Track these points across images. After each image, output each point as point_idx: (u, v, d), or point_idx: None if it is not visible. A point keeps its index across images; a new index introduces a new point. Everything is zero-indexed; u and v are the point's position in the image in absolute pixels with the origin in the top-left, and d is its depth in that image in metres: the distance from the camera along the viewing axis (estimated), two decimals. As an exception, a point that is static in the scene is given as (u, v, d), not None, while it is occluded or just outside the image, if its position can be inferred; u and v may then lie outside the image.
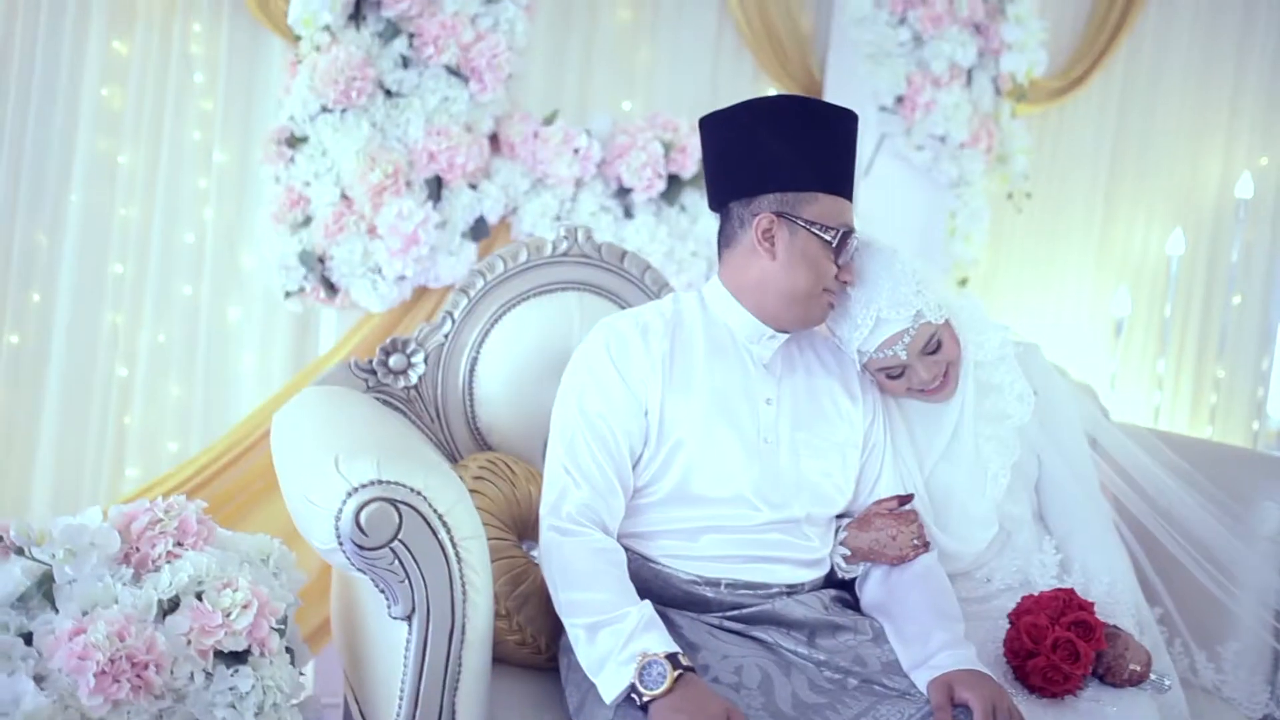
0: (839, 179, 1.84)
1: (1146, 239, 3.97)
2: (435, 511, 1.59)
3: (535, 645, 1.90)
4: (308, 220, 2.72)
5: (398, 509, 1.56)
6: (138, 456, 3.01)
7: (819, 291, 1.83)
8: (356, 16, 2.66)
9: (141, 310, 2.97)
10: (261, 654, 1.69)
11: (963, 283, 3.24)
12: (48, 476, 2.88)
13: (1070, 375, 2.54)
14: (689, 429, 1.80)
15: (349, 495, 1.54)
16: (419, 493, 1.58)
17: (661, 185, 2.91)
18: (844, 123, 1.85)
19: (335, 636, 2.09)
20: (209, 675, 1.65)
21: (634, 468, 1.80)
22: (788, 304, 1.83)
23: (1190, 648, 2.15)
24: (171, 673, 1.62)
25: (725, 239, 1.88)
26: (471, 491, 1.89)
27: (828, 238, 1.80)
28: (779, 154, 1.81)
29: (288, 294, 2.73)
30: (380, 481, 1.55)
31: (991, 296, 3.62)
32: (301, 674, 1.84)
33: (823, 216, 1.80)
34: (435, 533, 1.59)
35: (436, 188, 2.72)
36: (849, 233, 1.83)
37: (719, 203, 1.89)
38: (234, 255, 3.03)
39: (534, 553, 1.96)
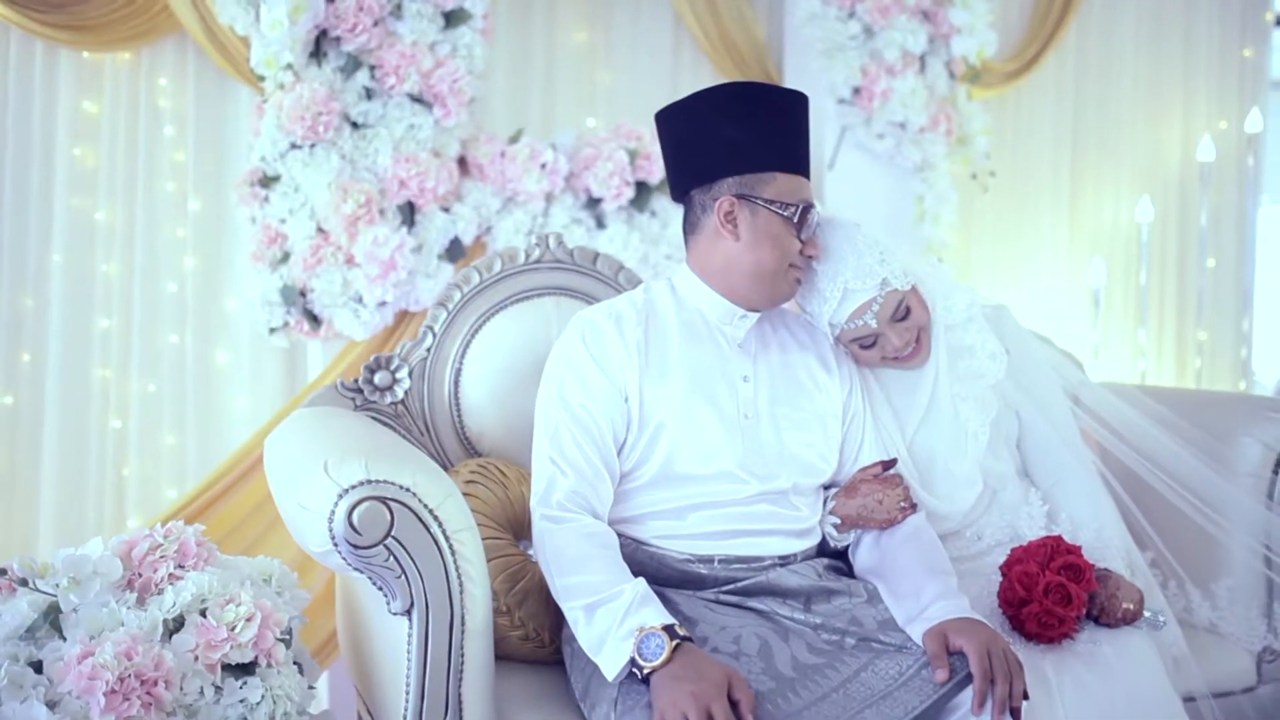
0: (794, 157, 1.89)
1: (1116, 209, 4.03)
2: (426, 507, 1.62)
3: (539, 639, 1.93)
4: (286, 256, 2.77)
5: (389, 506, 1.59)
6: (138, 507, 3.05)
7: (785, 268, 1.88)
8: (317, 54, 2.72)
9: (130, 362, 3.01)
10: (269, 664, 1.72)
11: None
12: (51, 533, 2.92)
13: (1055, 344, 2.59)
14: (669, 411, 1.83)
15: (340, 496, 1.58)
16: (408, 489, 1.61)
17: (630, 193, 2.97)
18: (794, 103, 1.91)
19: (342, 646, 2.12)
20: (219, 689, 1.68)
21: (619, 453, 1.84)
22: (755, 282, 1.88)
23: (1185, 587, 2.19)
24: (181, 688, 1.65)
25: (690, 226, 1.93)
26: (464, 495, 1.93)
27: (788, 214, 1.85)
28: (734, 138, 1.86)
29: (272, 330, 2.77)
30: (370, 481, 1.59)
31: (968, 276, 3.67)
32: (311, 687, 1.86)
33: (781, 194, 1.85)
34: (427, 527, 1.62)
35: (409, 213, 2.78)
36: (809, 207, 1.87)
37: (681, 192, 1.94)
38: (217, 300, 3.07)
39: (531, 551, 2.00)
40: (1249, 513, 2.18)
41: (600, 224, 2.98)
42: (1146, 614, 1.92)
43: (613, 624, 1.65)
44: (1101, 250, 4.02)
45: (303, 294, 2.76)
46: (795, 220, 1.85)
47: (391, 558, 1.60)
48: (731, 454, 1.84)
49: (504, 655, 1.91)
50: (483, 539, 1.86)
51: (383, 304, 2.76)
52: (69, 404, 2.95)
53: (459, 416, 2.20)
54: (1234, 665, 2.14)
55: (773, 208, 1.84)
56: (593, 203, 2.99)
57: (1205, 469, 2.18)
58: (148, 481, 3.07)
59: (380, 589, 1.63)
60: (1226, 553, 2.19)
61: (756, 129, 1.86)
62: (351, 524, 1.57)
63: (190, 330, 3.06)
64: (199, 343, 3.07)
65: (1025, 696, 1.65)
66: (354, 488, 1.58)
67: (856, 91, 3.21)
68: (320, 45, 2.72)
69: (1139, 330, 4.01)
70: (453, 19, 2.78)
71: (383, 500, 1.59)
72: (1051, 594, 1.85)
